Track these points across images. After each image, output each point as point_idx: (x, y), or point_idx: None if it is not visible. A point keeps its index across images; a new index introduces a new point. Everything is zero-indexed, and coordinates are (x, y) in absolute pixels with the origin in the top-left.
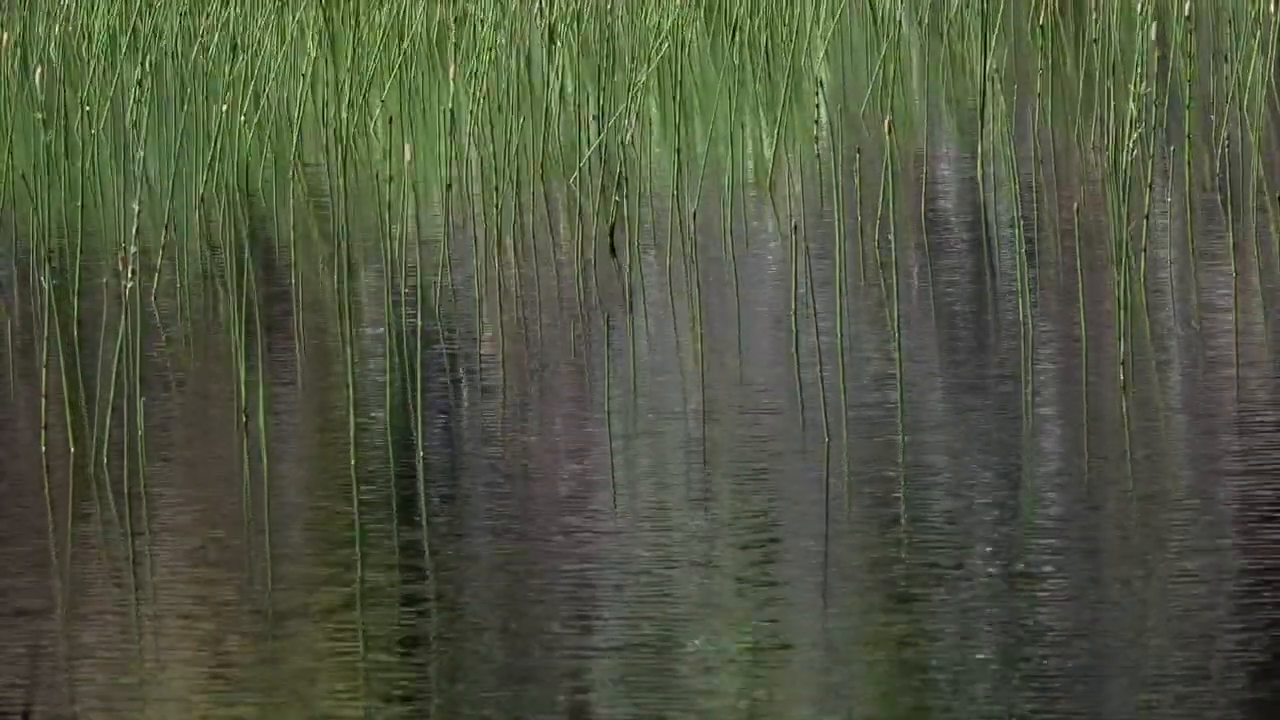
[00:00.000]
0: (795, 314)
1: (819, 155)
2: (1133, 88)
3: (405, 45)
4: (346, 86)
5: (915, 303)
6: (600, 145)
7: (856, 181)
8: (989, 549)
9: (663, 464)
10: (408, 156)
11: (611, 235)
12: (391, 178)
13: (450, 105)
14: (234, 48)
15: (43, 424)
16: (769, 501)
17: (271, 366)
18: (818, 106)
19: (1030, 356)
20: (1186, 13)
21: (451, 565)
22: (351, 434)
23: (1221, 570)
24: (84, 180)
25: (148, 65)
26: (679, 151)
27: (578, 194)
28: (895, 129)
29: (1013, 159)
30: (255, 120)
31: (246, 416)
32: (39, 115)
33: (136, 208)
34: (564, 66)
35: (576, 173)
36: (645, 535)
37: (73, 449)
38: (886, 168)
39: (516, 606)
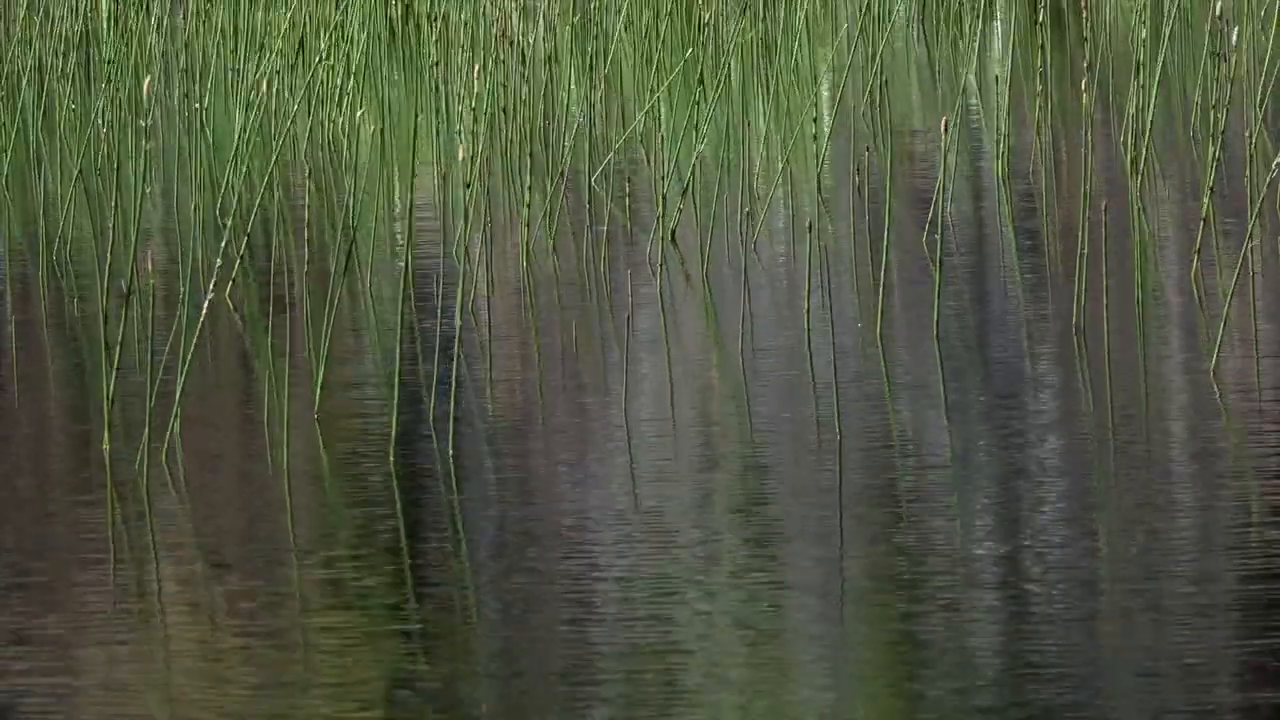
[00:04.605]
0: (809, 313)
1: (819, 158)
2: (1135, 89)
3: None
4: (344, 84)
5: (955, 302)
6: (616, 143)
7: (862, 180)
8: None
9: (677, 466)
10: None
11: (673, 235)
12: (414, 175)
13: (474, 105)
14: (236, 48)
15: (106, 424)
16: (778, 502)
17: (289, 367)
18: (815, 106)
19: (1082, 354)
20: (1217, 12)
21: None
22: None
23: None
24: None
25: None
26: (695, 154)
27: (600, 192)
28: (950, 128)
29: (1043, 157)
30: (256, 120)
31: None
32: (102, 126)
33: (192, 204)
34: (566, 64)
35: (601, 170)
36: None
37: (106, 446)
38: (942, 168)
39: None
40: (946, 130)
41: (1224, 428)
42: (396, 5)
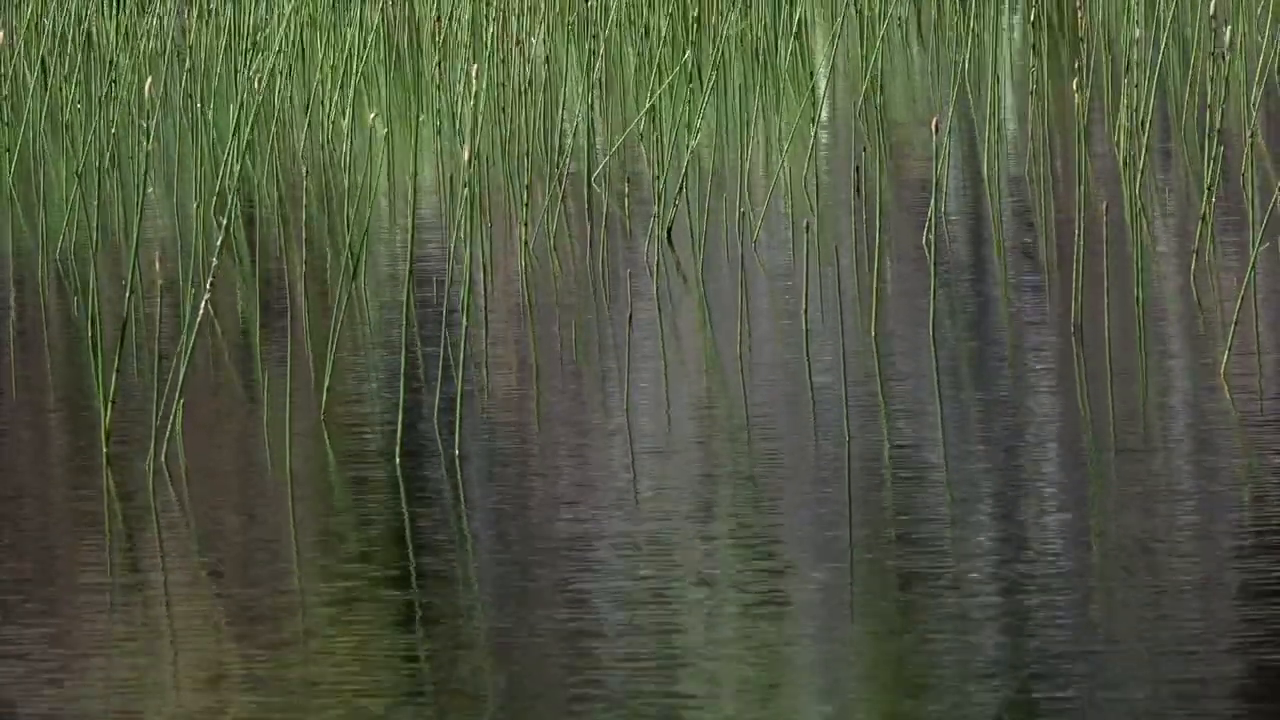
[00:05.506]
0: (806, 313)
1: (817, 161)
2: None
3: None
4: (340, 85)
5: (953, 301)
6: (614, 144)
7: (859, 179)
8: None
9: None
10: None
11: (669, 233)
12: (414, 174)
13: (472, 103)
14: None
15: (105, 426)
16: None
17: (290, 369)
18: (814, 106)
19: (1080, 356)
20: (1212, 10)
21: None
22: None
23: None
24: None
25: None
26: (690, 153)
27: (601, 192)
28: (939, 129)
29: (1039, 158)
30: (254, 119)
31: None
32: (112, 131)
33: (193, 204)
34: (565, 62)
35: (599, 169)
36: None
37: (105, 448)
38: (935, 167)
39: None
40: (936, 131)
41: (1228, 428)
42: (399, 5)
